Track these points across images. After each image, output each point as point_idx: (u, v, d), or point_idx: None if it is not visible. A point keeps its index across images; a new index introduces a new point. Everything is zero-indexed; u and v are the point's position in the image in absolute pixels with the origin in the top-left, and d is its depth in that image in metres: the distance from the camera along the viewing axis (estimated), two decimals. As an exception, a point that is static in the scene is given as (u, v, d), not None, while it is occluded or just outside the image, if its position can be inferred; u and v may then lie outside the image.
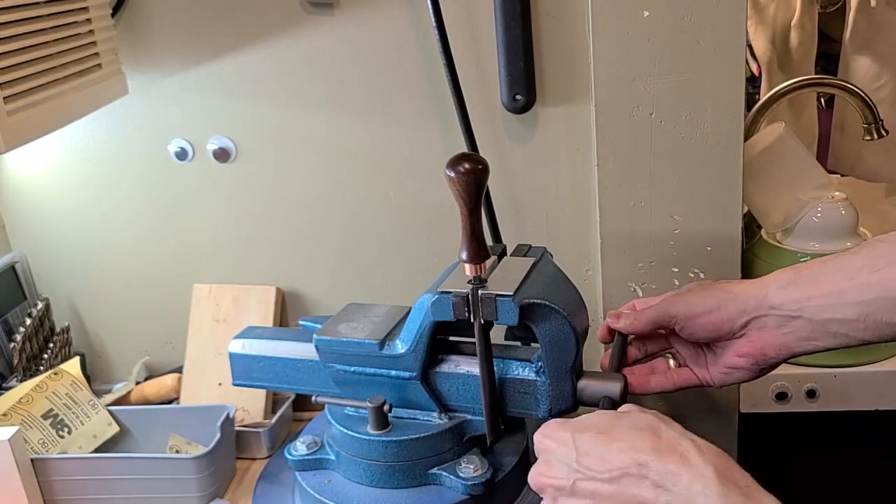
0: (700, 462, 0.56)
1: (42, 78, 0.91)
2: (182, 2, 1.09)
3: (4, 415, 1.02)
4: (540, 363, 0.79)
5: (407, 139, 1.11)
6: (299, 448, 0.87)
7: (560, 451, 0.63)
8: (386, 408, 0.81)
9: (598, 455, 0.61)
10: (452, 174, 0.67)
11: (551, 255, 0.91)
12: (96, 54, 1.02)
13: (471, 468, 0.80)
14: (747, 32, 1.10)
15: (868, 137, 1.22)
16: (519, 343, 0.86)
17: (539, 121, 1.08)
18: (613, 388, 0.78)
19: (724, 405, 1.14)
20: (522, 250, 0.90)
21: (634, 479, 0.58)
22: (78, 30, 0.98)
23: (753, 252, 1.15)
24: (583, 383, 0.79)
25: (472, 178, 0.67)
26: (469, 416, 0.82)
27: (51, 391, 1.06)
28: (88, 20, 1.00)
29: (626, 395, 0.79)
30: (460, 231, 0.70)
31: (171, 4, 1.09)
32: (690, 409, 1.16)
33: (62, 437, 1.05)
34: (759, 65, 1.49)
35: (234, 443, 1.07)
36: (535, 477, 0.65)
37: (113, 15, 1.07)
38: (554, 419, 0.67)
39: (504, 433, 0.84)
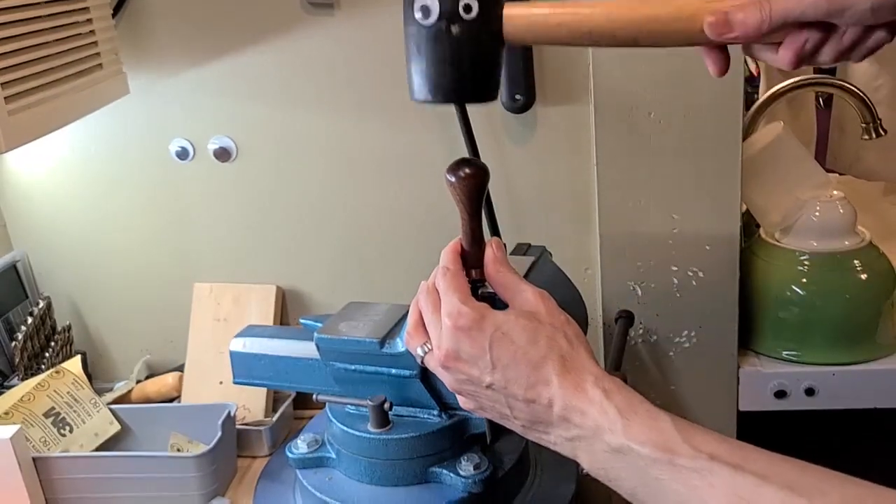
0: (603, 399, 0.60)
1: (43, 78, 0.91)
2: (183, 2, 1.09)
3: (6, 413, 1.02)
4: (539, 362, 0.79)
5: (407, 139, 1.11)
6: (300, 446, 0.87)
7: (474, 351, 0.64)
8: (386, 406, 0.81)
9: (514, 374, 0.63)
10: (453, 179, 0.67)
11: (550, 255, 0.91)
12: (97, 54, 1.02)
13: (471, 466, 0.80)
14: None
15: (866, 137, 1.23)
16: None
17: (538, 121, 1.08)
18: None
19: (723, 403, 1.14)
20: (522, 249, 0.90)
21: (544, 407, 0.62)
22: (79, 30, 0.98)
23: (752, 251, 1.15)
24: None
25: (473, 183, 0.67)
26: (469, 415, 0.82)
27: (52, 390, 1.06)
28: (89, 20, 1.00)
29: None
30: (460, 233, 0.70)
31: (172, 4, 1.09)
32: (689, 406, 1.16)
33: (63, 435, 1.05)
34: (757, 64, 1.49)
35: (235, 441, 1.07)
36: (444, 359, 0.65)
37: (114, 15, 1.08)
38: (464, 303, 0.65)
39: (503, 431, 0.84)
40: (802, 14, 0.58)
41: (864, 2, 0.56)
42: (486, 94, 0.65)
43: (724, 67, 0.63)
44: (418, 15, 0.61)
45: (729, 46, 0.62)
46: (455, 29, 0.61)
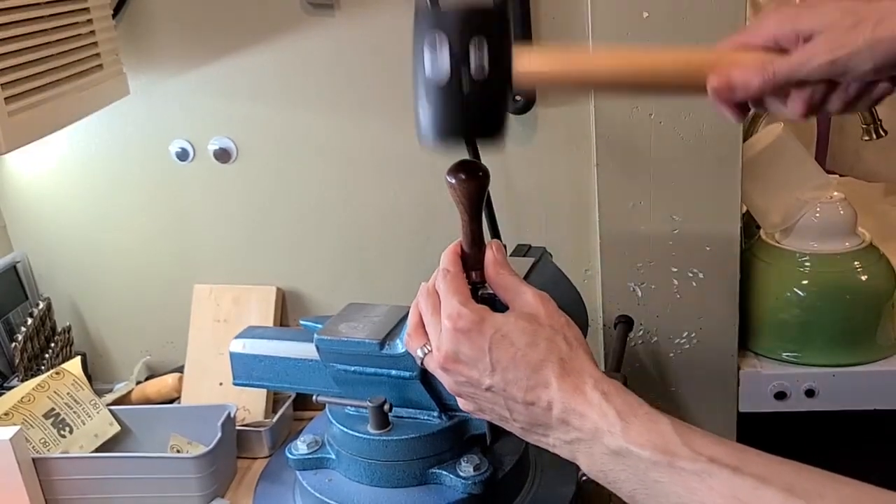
0: (602, 402, 0.60)
1: (43, 78, 0.91)
2: (183, 3, 1.09)
3: (6, 414, 1.02)
4: (540, 363, 0.79)
5: (407, 139, 1.11)
6: (300, 447, 0.87)
7: (473, 353, 0.64)
8: (386, 407, 0.81)
9: (513, 376, 0.63)
10: (453, 181, 0.67)
11: (551, 256, 0.91)
12: (97, 55, 1.02)
13: (470, 467, 0.80)
14: (746, 33, 1.10)
15: (867, 138, 1.23)
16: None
17: (539, 121, 1.08)
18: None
19: (723, 404, 1.14)
20: (522, 250, 0.90)
21: (543, 410, 0.62)
22: (79, 30, 0.98)
23: (752, 252, 1.15)
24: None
25: (473, 185, 0.67)
26: (469, 416, 0.82)
27: (52, 391, 1.06)
28: (90, 20, 1.00)
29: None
30: (461, 235, 0.70)
31: (172, 5, 1.09)
32: (689, 407, 1.16)
33: (63, 436, 1.05)
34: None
35: (235, 442, 1.07)
36: (443, 360, 0.65)
37: (114, 15, 1.08)
38: (464, 305, 0.65)
39: (503, 432, 0.84)
40: (807, 76, 0.59)
41: (866, 63, 0.57)
42: (494, 134, 0.64)
43: (743, 115, 0.64)
44: (429, 72, 0.60)
45: None
46: (466, 87, 0.60)
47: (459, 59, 0.60)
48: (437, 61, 0.60)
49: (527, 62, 0.62)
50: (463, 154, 0.69)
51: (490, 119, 0.62)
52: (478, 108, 0.61)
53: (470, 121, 0.62)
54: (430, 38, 0.60)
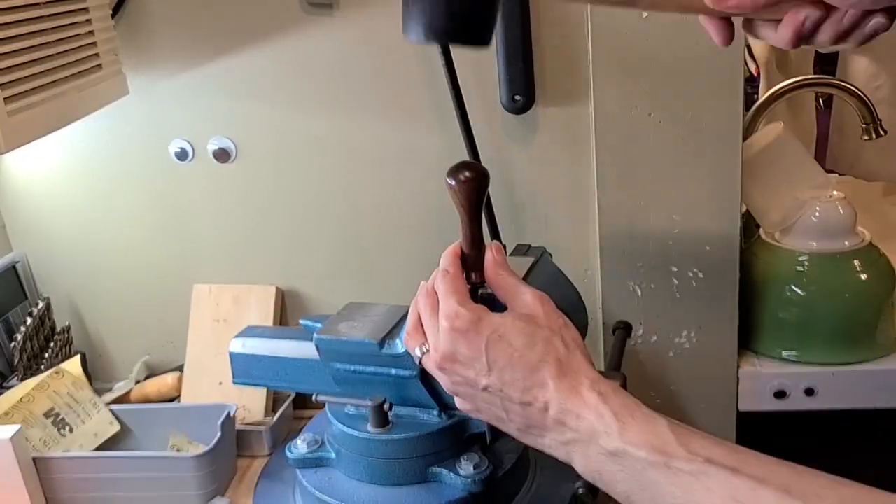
0: (599, 403, 0.60)
1: (42, 78, 0.92)
2: (182, 2, 1.09)
3: (6, 414, 1.02)
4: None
5: (406, 139, 1.11)
6: (300, 446, 0.87)
7: (470, 353, 0.64)
8: (386, 406, 0.81)
9: (510, 377, 0.63)
10: (453, 182, 0.67)
11: (550, 255, 0.91)
12: (96, 55, 1.02)
13: (470, 466, 0.80)
14: (746, 32, 1.10)
15: (866, 137, 1.23)
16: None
17: (538, 121, 1.08)
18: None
19: (723, 403, 1.14)
20: (522, 250, 0.90)
21: (539, 411, 0.62)
22: (78, 30, 0.98)
23: (752, 251, 1.15)
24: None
25: (473, 186, 0.67)
26: (468, 415, 0.82)
27: (52, 390, 1.06)
28: (89, 20, 1.00)
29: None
30: (461, 236, 0.70)
31: (172, 5, 1.09)
32: (689, 406, 1.16)
33: (63, 435, 1.05)
34: (757, 65, 1.49)
35: (235, 441, 1.07)
36: (440, 360, 0.66)
37: (113, 15, 1.08)
38: (461, 305, 0.65)
39: (503, 431, 0.84)
40: None
41: None
42: (478, 36, 0.61)
43: (729, 37, 0.63)
44: None
45: (733, 18, 0.62)
46: None
47: None
48: None
49: None
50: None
51: (474, 21, 0.60)
52: (462, 7, 0.59)
53: (455, 20, 0.59)
54: None
